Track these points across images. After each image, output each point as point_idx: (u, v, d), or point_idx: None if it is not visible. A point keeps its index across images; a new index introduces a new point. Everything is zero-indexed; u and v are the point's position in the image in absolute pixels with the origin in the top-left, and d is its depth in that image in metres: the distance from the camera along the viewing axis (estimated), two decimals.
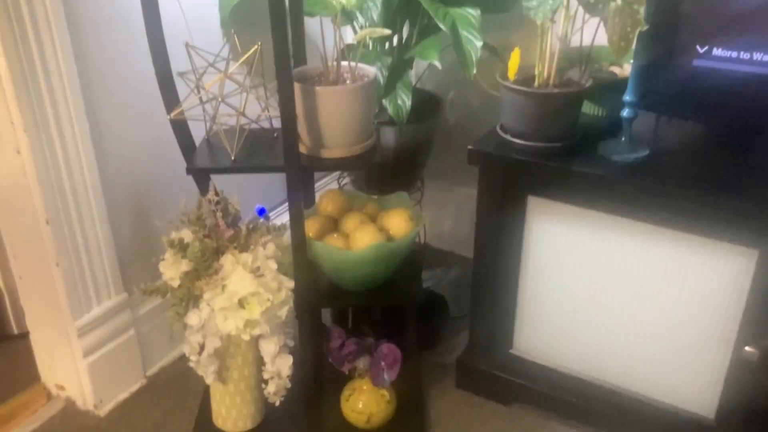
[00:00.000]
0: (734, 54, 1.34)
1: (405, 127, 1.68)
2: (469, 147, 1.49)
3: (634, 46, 1.32)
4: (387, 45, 1.75)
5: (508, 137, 1.48)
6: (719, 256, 1.34)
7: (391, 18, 1.69)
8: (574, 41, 1.48)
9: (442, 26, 1.49)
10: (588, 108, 1.61)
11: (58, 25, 1.33)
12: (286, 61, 1.24)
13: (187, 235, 1.39)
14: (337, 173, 2.16)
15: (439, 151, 1.94)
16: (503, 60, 1.69)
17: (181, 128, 1.40)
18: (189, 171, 1.37)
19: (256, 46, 1.32)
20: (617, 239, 1.44)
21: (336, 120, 1.36)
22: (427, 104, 1.88)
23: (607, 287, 1.50)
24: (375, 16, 1.63)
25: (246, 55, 1.32)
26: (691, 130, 1.56)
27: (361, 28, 1.69)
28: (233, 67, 1.35)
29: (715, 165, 1.40)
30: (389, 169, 1.84)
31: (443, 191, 2.22)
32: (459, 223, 2.28)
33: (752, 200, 1.25)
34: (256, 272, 1.35)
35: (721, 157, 1.44)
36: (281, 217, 2.11)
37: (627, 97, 1.40)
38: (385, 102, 1.60)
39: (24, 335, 1.76)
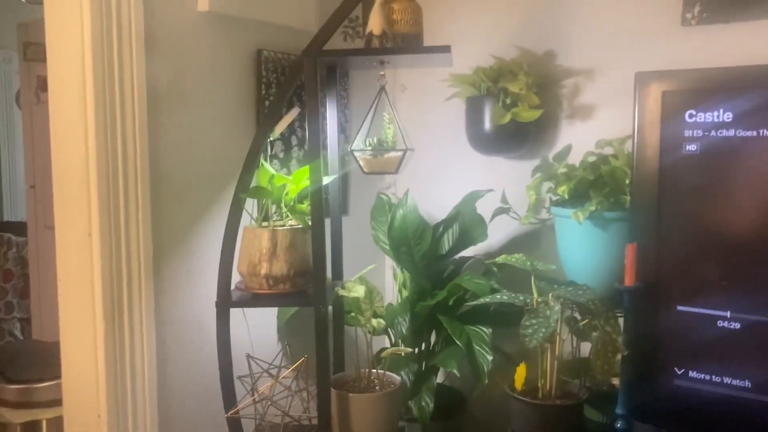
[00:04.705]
0: (707, 377, 1.56)
1: (431, 424, 1.89)
2: None
3: (618, 367, 1.56)
4: (416, 350, 2.03)
5: None
6: None
7: (418, 329, 2.00)
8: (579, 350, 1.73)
9: (458, 342, 1.78)
10: (591, 414, 1.80)
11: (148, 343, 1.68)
12: (326, 374, 1.52)
13: None
14: None
15: None
16: (516, 366, 1.94)
17: (235, 424, 1.65)
18: None
19: (303, 358, 1.62)
20: None
21: (365, 421, 1.60)
22: (452, 402, 2.09)
23: None
24: (404, 330, 1.94)
25: (295, 365, 1.62)
26: None
27: (394, 335, 2.00)
28: (283, 374, 1.64)
29: None
30: None
31: None
32: None
33: None
34: None
35: None
36: None
37: (618, 411, 1.60)
38: (411, 403, 1.84)
39: None
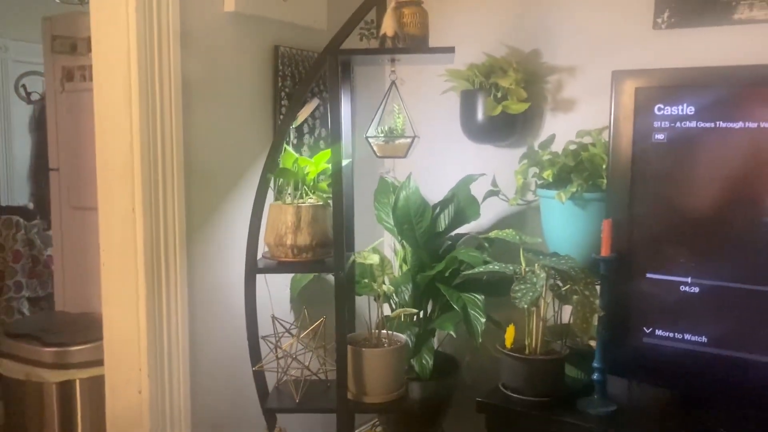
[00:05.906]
0: (671, 334, 1.81)
1: (429, 383, 2.14)
2: (478, 399, 1.92)
3: (595, 327, 1.80)
4: (415, 317, 2.27)
5: (508, 393, 1.91)
6: None
7: (418, 297, 2.24)
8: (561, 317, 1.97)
9: (455, 306, 2.02)
10: (572, 372, 2.05)
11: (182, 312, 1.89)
12: (343, 330, 1.75)
13: None
14: (371, 421, 2.56)
15: (457, 406, 2.34)
16: (504, 331, 2.19)
17: (260, 377, 1.88)
18: (264, 410, 1.82)
19: (322, 319, 1.84)
20: None
21: (376, 373, 1.83)
22: (447, 366, 2.34)
23: None
24: (407, 297, 2.17)
25: (313, 326, 1.84)
26: (658, 391, 1.97)
27: (396, 304, 2.24)
28: (303, 333, 1.86)
29: (670, 421, 1.80)
30: (415, 418, 2.25)
31: None
32: None
33: None
34: None
35: (677, 414, 1.84)
36: None
37: (595, 364, 1.85)
38: (413, 361, 2.08)
39: None
